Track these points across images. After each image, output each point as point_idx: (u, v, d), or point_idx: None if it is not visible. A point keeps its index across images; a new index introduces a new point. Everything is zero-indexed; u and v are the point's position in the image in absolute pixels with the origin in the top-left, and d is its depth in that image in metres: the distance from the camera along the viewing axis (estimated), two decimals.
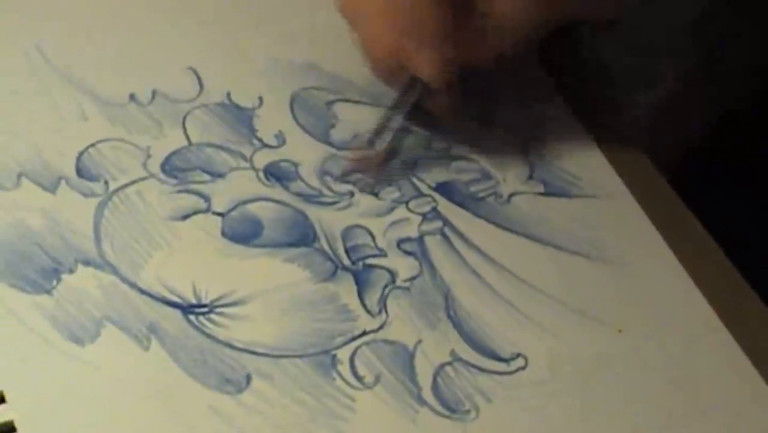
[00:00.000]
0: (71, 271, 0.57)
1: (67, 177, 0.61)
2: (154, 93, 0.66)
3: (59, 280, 0.56)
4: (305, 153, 0.63)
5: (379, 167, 0.62)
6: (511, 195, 0.63)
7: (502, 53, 0.62)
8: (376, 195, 0.62)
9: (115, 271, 0.57)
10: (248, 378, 0.53)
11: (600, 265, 0.60)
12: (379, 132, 0.62)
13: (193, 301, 0.56)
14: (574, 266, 0.60)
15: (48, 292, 0.55)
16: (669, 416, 0.54)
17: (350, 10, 0.63)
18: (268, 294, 0.56)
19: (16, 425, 0.51)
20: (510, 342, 0.56)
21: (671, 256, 0.59)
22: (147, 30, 0.69)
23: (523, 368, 0.55)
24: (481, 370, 0.55)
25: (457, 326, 0.57)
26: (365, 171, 0.61)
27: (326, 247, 0.60)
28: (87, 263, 0.57)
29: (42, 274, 0.56)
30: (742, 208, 0.72)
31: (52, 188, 0.60)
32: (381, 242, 0.60)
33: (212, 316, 0.55)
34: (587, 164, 0.64)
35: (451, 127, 0.66)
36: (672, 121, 0.77)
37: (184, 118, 0.65)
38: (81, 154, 0.62)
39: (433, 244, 0.60)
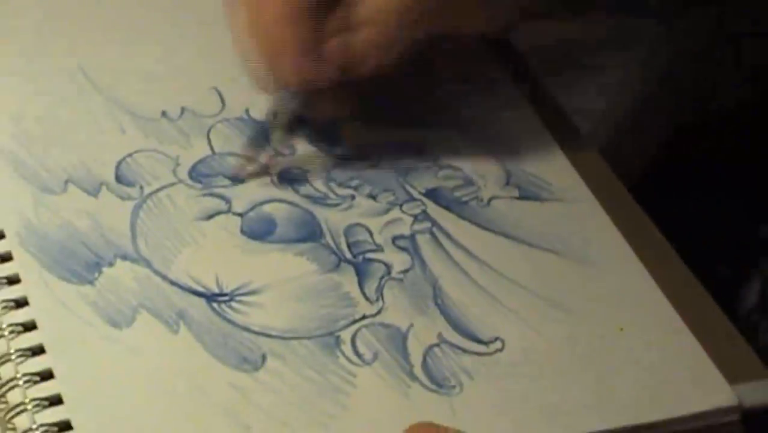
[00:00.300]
0: (111, 264, 0.58)
1: (108, 183, 0.62)
2: (182, 110, 0.67)
3: (100, 272, 0.57)
4: (312, 161, 0.65)
5: (265, 172, 0.63)
6: (490, 199, 0.64)
7: (380, 64, 0.62)
8: (374, 198, 0.63)
9: (148, 264, 0.58)
10: (263, 358, 0.54)
11: (567, 260, 0.61)
12: (256, 141, 0.63)
13: (216, 290, 0.57)
14: (544, 261, 0.61)
15: (91, 282, 0.57)
16: (625, 387, 0.55)
17: (232, 27, 0.64)
18: (280, 284, 0.58)
19: (63, 397, 0.51)
20: (489, 327, 0.57)
21: (630, 252, 0.60)
22: (176, 55, 0.71)
23: (500, 349, 0.56)
24: (464, 351, 0.56)
25: (444, 312, 0.58)
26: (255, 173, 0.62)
27: (331, 242, 0.61)
28: (124, 257, 0.59)
29: (85, 267, 0.58)
30: (691, 212, 0.71)
31: (94, 193, 0.62)
32: (378, 239, 0.61)
33: (232, 304, 0.57)
34: (556, 172, 0.66)
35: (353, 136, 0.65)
36: (630, 134, 0.76)
37: (209, 131, 0.66)
38: (119, 162, 0.63)
39: (423, 241, 0.61)
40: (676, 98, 0.80)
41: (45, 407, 0.51)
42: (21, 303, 0.55)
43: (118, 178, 0.62)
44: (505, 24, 0.68)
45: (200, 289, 0.57)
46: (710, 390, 0.54)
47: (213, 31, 0.72)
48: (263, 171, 0.64)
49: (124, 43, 0.71)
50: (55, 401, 0.51)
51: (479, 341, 0.56)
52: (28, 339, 0.53)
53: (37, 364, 0.52)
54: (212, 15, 0.72)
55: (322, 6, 0.61)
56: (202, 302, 0.56)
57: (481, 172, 0.64)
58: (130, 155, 0.64)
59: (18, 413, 0.52)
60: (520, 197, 0.64)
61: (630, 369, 0.56)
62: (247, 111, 0.67)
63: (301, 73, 0.61)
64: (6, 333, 0.54)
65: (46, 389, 0.52)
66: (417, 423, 0.50)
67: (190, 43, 0.72)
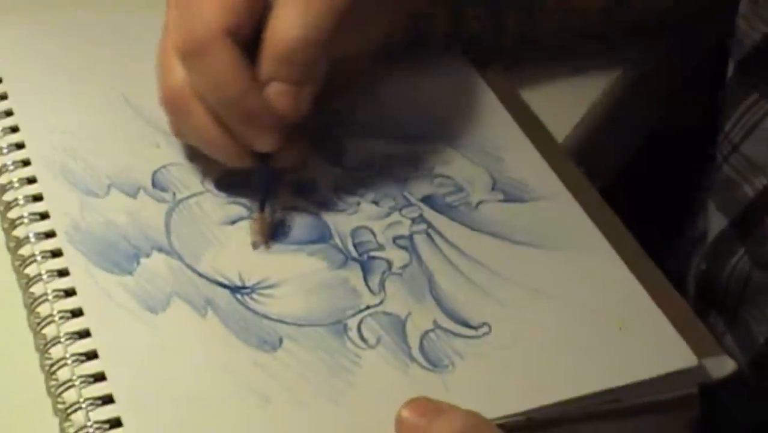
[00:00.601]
0: (147, 256, 0.60)
1: (145, 187, 0.64)
2: None
3: (138, 263, 0.59)
4: (325, 171, 0.66)
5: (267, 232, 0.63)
6: (478, 203, 0.65)
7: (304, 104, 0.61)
8: (376, 204, 0.64)
9: (180, 258, 0.60)
10: (280, 340, 0.56)
11: (548, 254, 0.62)
12: (260, 205, 0.63)
13: (239, 284, 0.59)
14: (527, 255, 0.62)
15: (130, 273, 0.59)
16: (602, 358, 0.56)
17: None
18: (295, 279, 0.60)
19: (106, 374, 0.53)
20: (477, 314, 0.58)
21: (605, 242, 0.62)
22: None
23: (487, 333, 0.57)
24: (456, 335, 0.57)
25: (438, 302, 0.59)
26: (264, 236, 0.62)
27: (339, 243, 0.62)
28: (159, 249, 0.60)
29: (125, 259, 0.60)
30: (649, 211, 0.71)
31: (133, 195, 0.64)
32: (381, 239, 0.62)
33: (253, 295, 0.59)
34: (536, 176, 0.67)
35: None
36: (604, 141, 0.76)
37: None
38: (155, 171, 0.65)
39: (419, 241, 0.63)
40: (648, 109, 0.81)
41: (90, 383, 0.53)
42: (69, 293, 0.57)
43: (154, 184, 0.64)
44: (379, 44, 0.67)
45: (225, 282, 0.59)
46: (676, 355, 0.56)
47: None
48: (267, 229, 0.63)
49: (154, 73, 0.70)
50: (99, 377, 0.53)
51: (469, 326, 0.58)
52: (76, 324, 0.55)
53: (83, 346, 0.54)
54: None
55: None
56: (227, 292, 0.58)
57: (470, 180, 0.66)
58: (164, 166, 0.65)
59: (66, 389, 0.54)
60: (505, 200, 0.65)
61: (606, 342, 0.57)
62: None
63: (261, 135, 0.60)
64: (56, 319, 0.56)
65: (91, 368, 0.53)
66: (414, 398, 0.51)
67: None
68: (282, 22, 0.58)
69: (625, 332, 0.58)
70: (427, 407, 0.51)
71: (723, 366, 0.56)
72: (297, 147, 0.62)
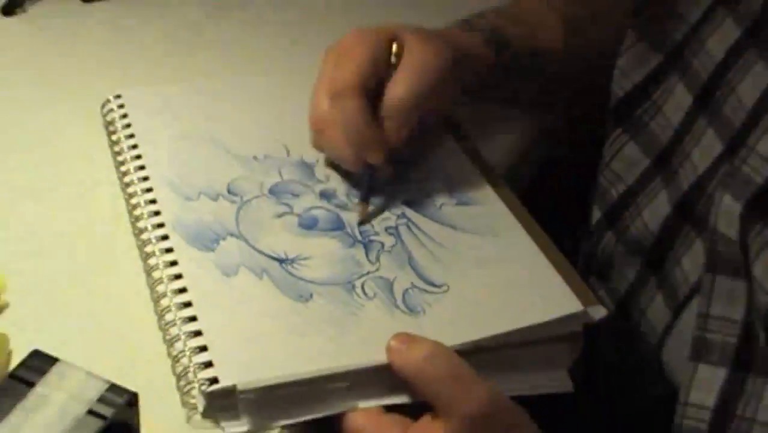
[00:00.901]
0: (224, 239, 0.67)
1: (223, 194, 0.72)
2: (265, 156, 0.76)
3: (218, 244, 0.67)
4: (340, 185, 0.74)
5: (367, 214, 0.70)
6: (441, 205, 0.73)
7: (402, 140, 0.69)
8: (374, 206, 0.72)
9: (246, 240, 0.67)
10: (311, 295, 0.64)
11: (485, 237, 0.70)
12: (363, 197, 0.71)
13: (284, 257, 0.67)
14: (472, 239, 0.69)
15: (213, 250, 0.66)
16: (518, 303, 0.64)
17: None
18: (320, 255, 0.67)
19: (198, 317, 0.61)
20: (440, 277, 0.66)
21: (522, 230, 0.70)
22: (260, 122, 0.80)
23: (447, 290, 0.65)
24: (426, 291, 0.65)
25: (414, 269, 0.67)
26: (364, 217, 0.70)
27: (350, 231, 0.70)
28: (232, 234, 0.68)
29: (210, 241, 0.67)
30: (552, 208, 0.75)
31: (215, 199, 0.71)
32: (377, 229, 0.70)
33: (294, 265, 0.66)
34: (477, 189, 0.74)
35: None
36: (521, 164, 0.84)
37: (280, 168, 0.75)
38: (229, 183, 0.73)
39: (402, 230, 0.70)
40: (549, 146, 0.88)
41: (186, 322, 0.61)
42: (173, 263, 0.65)
43: (229, 191, 0.72)
44: (444, 112, 0.76)
45: (275, 256, 0.66)
46: (568, 303, 0.63)
47: (284, 107, 0.81)
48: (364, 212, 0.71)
49: (231, 119, 0.80)
50: (193, 318, 0.61)
51: (434, 285, 0.65)
52: (178, 284, 0.63)
53: (183, 298, 0.62)
54: (284, 96, 0.82)
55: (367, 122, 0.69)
56: (276, 263, 0.66)
57: (437, 191, 0.74)
58: (235, 179, 0.73)
59: (171, 326, 0.61)
60: (457, 204, 0.73)
61: (521, 295, 0.64)
62: (302, 157, 0.76)
63: (377, 156, 0.70)
64: (165, 281, 0.64)
65: (188, 312, 0.62)
66: (399, 332, 0.59)
67: (272, 114, 0.81)
68: (397, 86, 0.68)
69: (532, 288, 0.65)
70: (407, 337, 0.58)
71: (598, 312, 0.62)
72: (391, 164, 0.71)
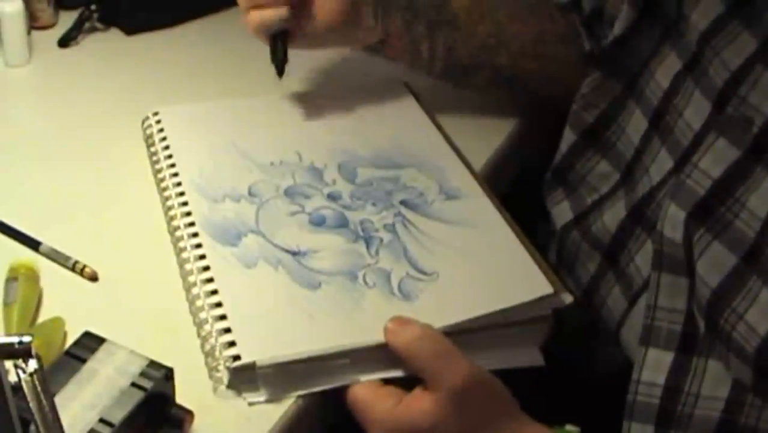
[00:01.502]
0: (246, 236, 0.68)
1: (244, 196, 0.73)
2: (281, 161, 0.77)
3: (240, 240, 0.68)
4: (345, 187, 0.75)
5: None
6: (432, 202, 0.73)
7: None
8: (374, 206, 0.72)
9: (264, 236, 0.69)
10: (320, 283, 0.65)
11: (469, 229, 0.70)
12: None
13: (297, 250, 0.68)
14: (459, 232, 0.70)
15: (236, 246, 0.67)
16: (497, 288, 0.65)
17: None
18: (328, 248, 0.68)
19: (223, 302, 0.62)
20: (431, 267, 0.67)
21: (502, 221, 0.71)
22: (276, 133, 0.80)
23: (437, 278, 0.66)
24: (420, 279, 0.66)
25: (409, 261, 0.68)
26: None
27: (353, 228, 0.71)
28: (252, 231, 0.69)
29: (233, 237, 0.68)
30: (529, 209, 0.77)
31: (237, 200, 0.72)
32: (377, 226, 0.71)
33: (305, 257, 0.67)
34: (466, 185, 0.75)
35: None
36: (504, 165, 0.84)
37: (293, 173, 0.76)
38: (250, 186, 0.74)
39: (398, 226, 0.71)
40: (527, 149, 0.88)
41: (213, 307, 0.63)
42: (202, 257, 0.67)
43: (250, 193, 0.73)
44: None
45: (289, 249, 0.68)
46: (541, 287, 0.64)
47: (296, 119, 0.82)
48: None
49: (251, 130, 0.80)
50: (219, 304, 0.63)
51: (426, 274, 0.67)
52: (206, 275, 0.65)
53: (210, 287, 0.64)
54: (295, 111, 0.82)
55: None
56: (290, 256, 0.67)
57: (427, 188, 0.74)
58: (255, 183, 0.74)
59: (200, 310, 0.62)
60: (447, 199, 0.73)
61: (500, 282, 0.66)
62: (312, 163, 0.76)
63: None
64: (195, 272, 0.65)
65: (215, 298, 0.63)
66: (394, 316, 0.61)
67: (285, 126, 0.81)
68: None
69: (511, 274, 0.66)
70: (401, 320, 0.60)
71: (566, 298, 0.65)
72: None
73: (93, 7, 0.98)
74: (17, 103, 0.91)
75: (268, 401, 0.59)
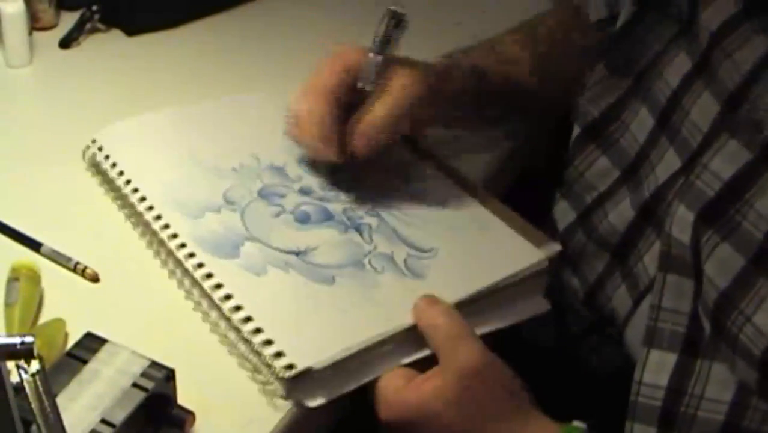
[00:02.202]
0: (243, 245, 0.68)
1: (222, 204, 0.71)
2: (241, 165, 0.75)
3: (239, 249, 0.67)
4: (314, 181, 0.74)
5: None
6: (401, 191, 0.74)
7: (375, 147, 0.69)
8: (352, 194, 0.73)
9: (261, 241, 0.68)
10: (333, 278, 0.66)
11: (446, 208, 0.72)
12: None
13: (298, 250, 0.68)
14: (436, 211, 0.72)
15: (237, 257, 0.66)
16: (489, 264, 0.67)
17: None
18: (324, 243, 0.69)
19: (261, 326, 0.61)
20: (428, 243, 0.69)
21: (472, 198, 0.73)
22: (226, 138, 0.78)
23: (437, 254, 0.68)
24: (422, 258, 0.68)
25: (403, 241, 0.69)
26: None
27: (339, 219, 0.71)
28: (247, 238, 0.68)
29: (232, 249, 0.67)
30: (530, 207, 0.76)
31: (217, 210, 0.71)
32: (359, 213, 0.72)
33: (308, 255, 0.68)
34: (425, 173, 0.76)
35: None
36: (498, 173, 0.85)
37: (258, 175, 0.74)
38: (224, 192, 0.73)
39: (381, 211, 0.72)
40: (522, 159, 0.89)
41: (244, 322, 0.61)
42: (210, 275, 0.65)
43: (226, 201, 0.71)
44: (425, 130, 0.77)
45: (290, 250, 0.68)
46: (529, 254, 0.68)
47: (246, 121, 0.80)
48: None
49: (201, 137, 0.78)
50: (250, 318, 0.62)
51: (426, 251, 0.69)
52: (222, 292, 0.63)
53: (231, 302, 0.63)
54: (253, 116, 0.80)
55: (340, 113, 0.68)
56: (295, 257, 0.67)
57: (393, 186, 0.75)
58: (227, 190, 0.73)
59: (228, 330, 0.62)
60: (411, 181, 0.75)
61: (490, 253, 0.68)
62: (271, 162, 0.75)
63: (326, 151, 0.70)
64: (209, 291, 0.64)
65: (241, 312, 0.62)
66: (425, 295, 0.63)
67: (236, 129, 0.80)
68: (374, 107, 0.69)
69: (498, 246, 0.69)
70: (430, 300, 0.63)
71: (554, 247, 0.68)
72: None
73: (94, 8, 0.99)
74: (19, 104, 0.91)
75: (329, 402, 0.60)
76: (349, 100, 0.70)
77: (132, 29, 1.01)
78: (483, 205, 0.72)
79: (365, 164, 0.73)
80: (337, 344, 0.59)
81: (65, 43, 0.98)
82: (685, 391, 0.61)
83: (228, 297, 0.63)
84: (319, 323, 0.61)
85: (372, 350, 0.60)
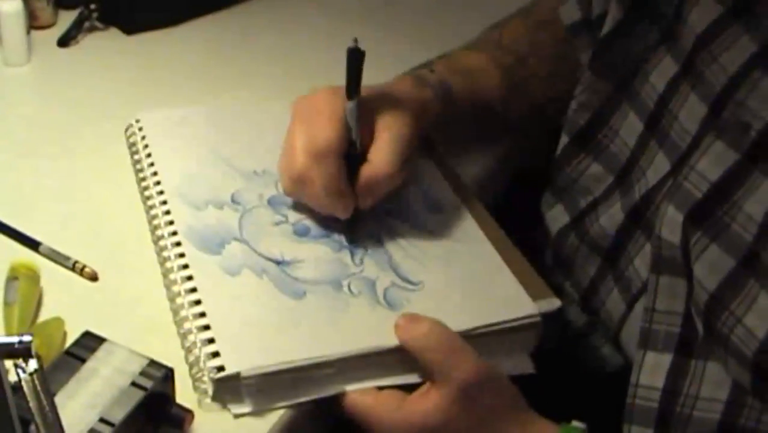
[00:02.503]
0: (229, 243, 0.68)
1: (227, 203, 0.72)
2: (263, 170, 0.76)
3: (224, 248, 0.67)
4: None
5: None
6: (416, 213, 0.73)
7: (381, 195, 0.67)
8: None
9: (248, 244, 0.68)
10: (304, 292, 0.65)
11: (453, 241, 0.71)
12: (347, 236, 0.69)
13: (281, 259, 0.67)
14: (443, 244, 0.71)
15: (219, 254, 0.66)
16: (480, 303, 0.65)
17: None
18: (312, 258, 0.68)
19: (207, 312, 0.61)
20: (417, 276, 0.67)
21: (481, 234, 0.71)
22: (259, 141, 0.78)
23: (422, 288, 0.66)
24: (405, 289, 0.66)
25: (394, 270, 0.68)
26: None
27: (337, 237, 0.70)
28: (235, 239, 0.68)
29: (216, 246, 0.67)
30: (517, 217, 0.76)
31: (220, 207, 0.71)
32: (360, 234, 0.71)
33: (289, 267, 0.67)
34: (448, 198, 0.75)
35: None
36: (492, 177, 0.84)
37: (276, 182, 0.74)
38: (233, 194, 0.73)
39: (384, 235, 0.71)
40: (518, 159, 0.88)
41: (197, 318, 0.62)
42: (186, 266, 0.66)
43: (233, 201, 0.72)
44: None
45: (273, 258, 0.67)
46: (522, 306, 0.65)
47: (279, 128, 0.74)
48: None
49: (234, 137, 0.79)
50: (203, 314, 0.62)
51: (412, 283, 0.67)
52: (190, 284, 0.64)
53: (194, 297, 0.63)
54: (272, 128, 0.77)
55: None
56: (274, 265, 0.66)
57: (413, 200, 0.74)
58: (237, 191, 0.73)
59: (182, 320, 0.62)
60: (430, 211, 0.73)
61: (482, 294, 0.66)
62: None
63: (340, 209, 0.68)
64: (179, 281, 0.65)
65: (199, 308, 0.62)
66: (405, 313, 0.61)
67: (268, 133, 0.77)
68: (378, 162, 0.67)
69: (493, 288, 0.66)
70: (412, 317, 0.61)
71: (553, 304, 0.64)
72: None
73: (92, 6, 0.99)
74: (17, 103, 0.90)
75: (252, 413, 0.59)
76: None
77: (130, 28, 1.01)
78: (494, 246, 0.69)
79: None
80: (275, 357, 0.58)
81: (63, 41, 0.98)
82: (681, 391, 0.61)
83: (193, 290, 0.63)
84: (268, 333, 0.60)
85: (310, 370, 0.59)
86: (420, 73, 0.75)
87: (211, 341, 0.60)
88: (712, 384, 0.60)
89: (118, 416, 0.53)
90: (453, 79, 0.76)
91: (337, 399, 0.60)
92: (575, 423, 0.60)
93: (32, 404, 0.42)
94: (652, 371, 0.62)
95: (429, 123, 0.74)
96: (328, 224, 0.70)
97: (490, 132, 0.82)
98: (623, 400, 0.63)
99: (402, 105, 0.69)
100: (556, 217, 0.77)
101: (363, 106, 0.66)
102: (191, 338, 0.61)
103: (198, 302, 0.62)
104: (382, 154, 0.67)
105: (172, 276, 0.65)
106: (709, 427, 0.59)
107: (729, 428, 0.59)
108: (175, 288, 0.64)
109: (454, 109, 0.76)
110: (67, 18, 0.99)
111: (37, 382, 0.42)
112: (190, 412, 0.57)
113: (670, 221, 0.60)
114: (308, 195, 0.68)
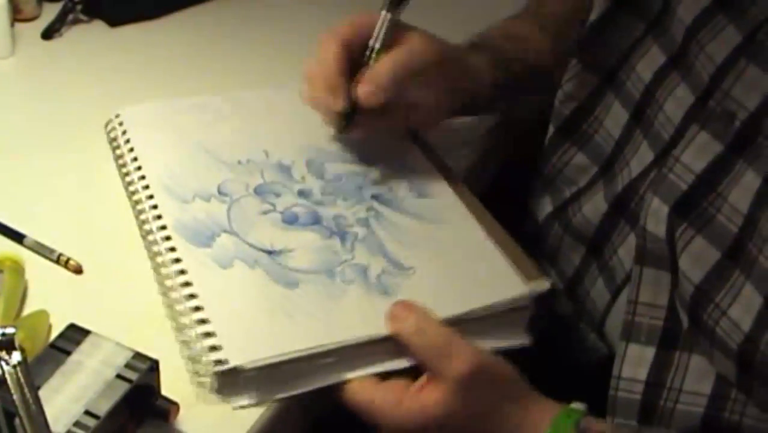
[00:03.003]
0: (219, 236, 0.68)
1: (214, 195, 0.72)
2: (248, 160, 0.76)
3: (214, 240, 0.67)
4: (315, 183, 0.74)
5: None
6: (403, 198, 0.74)
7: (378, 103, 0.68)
8: (346, 201, 0.72)
9: (238, 235, 0.68)
10: (298, 282, 0.65)
11: (443, 226, 0.71)
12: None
13: (271, 249, 0.67)
14: (432, 228, 0.71)
15: (210, 246, 0.66)
16: (471, 287, 0.65)
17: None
18: (303, 246, 0.68)
19: (202, 303, 0.61)
20: (407, 261, 0.67)
21: (472, 219, 0.71)
22: (242, 131, 0.79)
23: (414, 273, 0.66)
24: (397, 274, 0.66)
25: (384, 255, 0.68)
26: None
27: (326, 224, 0.70)
28: (225, 231, 0.68)
29: (207, 238, 0.67)
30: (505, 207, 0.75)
31: (207, 200, 0.71)
32: (350, 221, 0.71)
33: (280, 256, 0.67)
34: (436, 185, 0.75)
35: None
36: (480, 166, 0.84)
37: (262, 171, 0.74)
38: (219, 185, 0.73)
39: (372, 221, 0.71)
40: (503, 150, 0.89)
41: (192, 311, 0.62)
42: (178, 260, 0.65)
43: (219, 192, 0.72)
44: (440, 105, 0.73)
45: (264, 248, 0.67)
46: (513, 286, 0.64)
47: (262, 116, 0.80)
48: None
49: (216, 128, 0.79)
50: (200, 308, 0.62)
51: (404, 268, 0.67)
52: (184, 278, 0.64)
53: (188, 289, 0.63)
54: (261, 112, 0.80)
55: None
56: (266, 255, 0.66)
57: (399, 186, 0.75)
58: (224, 182, 0.73)
59: (178, 315, 0.62)
60: (418, 197, 0.74)
61: (474, 277, 0.66)
62: (279, 161, 0.76)
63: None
64: (172, 275, 0.65)
65: (193, 302, 0.62)
66: (397, 301, 0.61)
67: (250, 123, 0.80)
68: (384, 59, 0.68)
69: (484, 271, 0.66)
70: (404, 306, 0.61)
71: (542, 285, 0.64)
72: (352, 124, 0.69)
73: None
74: (0, 96, 0.90)
75: (254, 405, 0.59)
76: (359, 59, 0.69)
77: (114, 20, 1.00)
78: (484, 230, 0.69)
79: (374, 162, 0.73)
80: (274, 349, 0.58)
81: (47, 34, 0.98)
82: (664, 384, 0.61)
83: (187, 284, 0.63)
84: (267, 325, 0.60)
85: (309, 361, 0.59)
86: (474, 38, 0.76)
87: (210, 334, 0.60)
88: (696, 377, 0.60)
89: (103, 408, 0.53)
90: (507, 46, 0.77)
91: (337, 392, 0.60)
92: (575, 404, 0.60)
93: (16, 396, 0.42)
94: (635, 363, 0.62)
95: (482, 89, 0.74)
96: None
97: (536, 95, 0.82)
98: (604, 388, 0.64)
99: (436, 39, 0.69)
100: (541, 206, 0.77)
101: (400, 26, 0.67)
102: (188, 332, 0.60)
103: (193, 296, 0.62)
104: (391, 54, 0.67)
105: (164, 271, 0.65)
106: (693, 420, 0.59)
107: (713, 422, 0.59)
108: (169, 282, 0.64)
109: (506, 76, 0.76)
110: (51, 10, 0.99)
111: (20, 375, 0.42)
112: (175, 404, 0.57)
113: (656, 213, 0.60)
114: (309, 86, 0.69)
